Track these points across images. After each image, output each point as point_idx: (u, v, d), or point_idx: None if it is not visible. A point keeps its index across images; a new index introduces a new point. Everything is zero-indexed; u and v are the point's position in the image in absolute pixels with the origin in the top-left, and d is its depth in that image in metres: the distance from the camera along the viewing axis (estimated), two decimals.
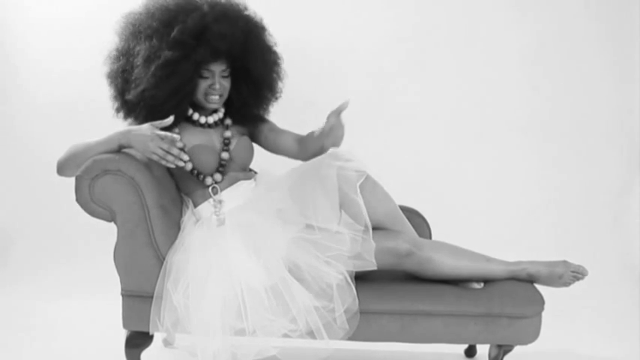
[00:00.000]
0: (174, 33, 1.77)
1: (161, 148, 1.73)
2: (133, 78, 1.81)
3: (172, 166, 1.76)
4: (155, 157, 1.74)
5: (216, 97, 1.89)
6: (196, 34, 1.79)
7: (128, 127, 1.78)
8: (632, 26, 3.08)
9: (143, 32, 1.82)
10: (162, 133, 1.73)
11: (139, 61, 1.80)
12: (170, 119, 1.78)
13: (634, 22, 3.08)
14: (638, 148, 3.18)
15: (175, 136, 1.75)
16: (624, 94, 3.15)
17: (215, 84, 1.87)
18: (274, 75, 1.99)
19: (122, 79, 1.85)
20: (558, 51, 3.09)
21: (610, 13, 3.08)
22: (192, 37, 1.79)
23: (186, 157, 1.76)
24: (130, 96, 1.82)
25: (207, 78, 1.87)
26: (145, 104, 1.81)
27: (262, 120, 2.09)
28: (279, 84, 2.03)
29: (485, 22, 3.06)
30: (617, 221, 3.18)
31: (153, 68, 1.77)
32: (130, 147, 1.78)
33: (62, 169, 1.79)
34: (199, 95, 1.89)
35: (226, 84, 1.91)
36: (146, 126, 1.76)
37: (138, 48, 1.81)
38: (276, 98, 2.06)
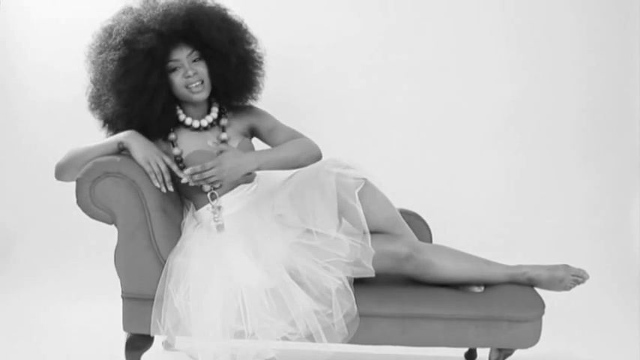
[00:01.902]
0: (112, 37, 1.80)
1: (158, 165, 1.77)
2: (102, 98, 1.84)
3: (157, 185, 1.78)
4: (148, 168, 1.77)
5: (197, 83, 1.85)
6: (137, 29, 1.79)
7: (136, 132, 1.80)
8: (632, 25, 3.08)
9: (94, 54, 1.85)
10: (169, 159, 1.81)
11: (99, 79, 1.83)
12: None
13: (634, 21, 3.08)
14: (638, 150, 3.18)
15: (181, 173, 1.81)
16: (624, 95, 3.15)
17: (187, 71, 1.84)
18: (237, 41, 1.91)
19: (97, 105, 1.88)
20: (559, 51, 3.08)
21: (610, 13, 3.07)
22: (133, 32, 1.79)
23: (171, 189, 1.80)
24: (105, 113, 1.85)
25: (177, 70, 1.85)
26: (119, 115, 1.82)
27: (253, 97, 2.03)
28: (252, 49, 1.96)
29: (483, 23, 3.06)
30: (619, 225, 3.17)
31: (109, 76, 1.79)
32: (127, 149, 1.79)
33: (61, 172, 1.79)
34: (181, 90, 1.86)
35: (200, 68, 1.87)
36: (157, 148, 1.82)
37: (96, 70, 1.84)
38: (258, 67, 1.98)
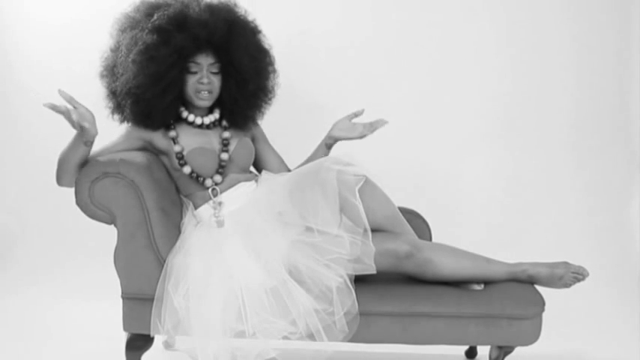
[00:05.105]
0: (153, 19, 1.80)
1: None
2: (118, 70, 1.83)
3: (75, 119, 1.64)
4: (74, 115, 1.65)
5: (206, 93, 1.89)
6: (177, 23, 1.80)
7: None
8: (631, 22, 3.08)
9: (128, 25, 1.86)
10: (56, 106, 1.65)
11: (122, 51, 1.82)
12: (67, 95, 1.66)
13: (634, 17, 3.08)
14: (638, 148, 3.18)
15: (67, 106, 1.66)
16: (624, 92, 3.15)
17: (203, 78, 1.87)
18: (262, 72, 1.97)
19: (111, 74, 1.88)
20: (559, 50, 3.08)
21: (603, 9, 3.07)
22: (173, 24, 1.80)
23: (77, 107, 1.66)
24: (115, 86, 1.84)
25: (195, 73, 1.88)
26: (129, 93, 1.81)
27: (255, 123, 2.08)
28: (270, 82, 2.02)
29: (483, 23, 3.06)
30: (618, 222, 3.17)
31: (133, 54, 1.79)
32: (89, 135, 1.70)
33: (58, 179, 1.78)
34: (190, 91, 1.89)
35: (216, 80, 1.91)
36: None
37: (123, 41, 1.84)
38: (269, 98, 2.04)
